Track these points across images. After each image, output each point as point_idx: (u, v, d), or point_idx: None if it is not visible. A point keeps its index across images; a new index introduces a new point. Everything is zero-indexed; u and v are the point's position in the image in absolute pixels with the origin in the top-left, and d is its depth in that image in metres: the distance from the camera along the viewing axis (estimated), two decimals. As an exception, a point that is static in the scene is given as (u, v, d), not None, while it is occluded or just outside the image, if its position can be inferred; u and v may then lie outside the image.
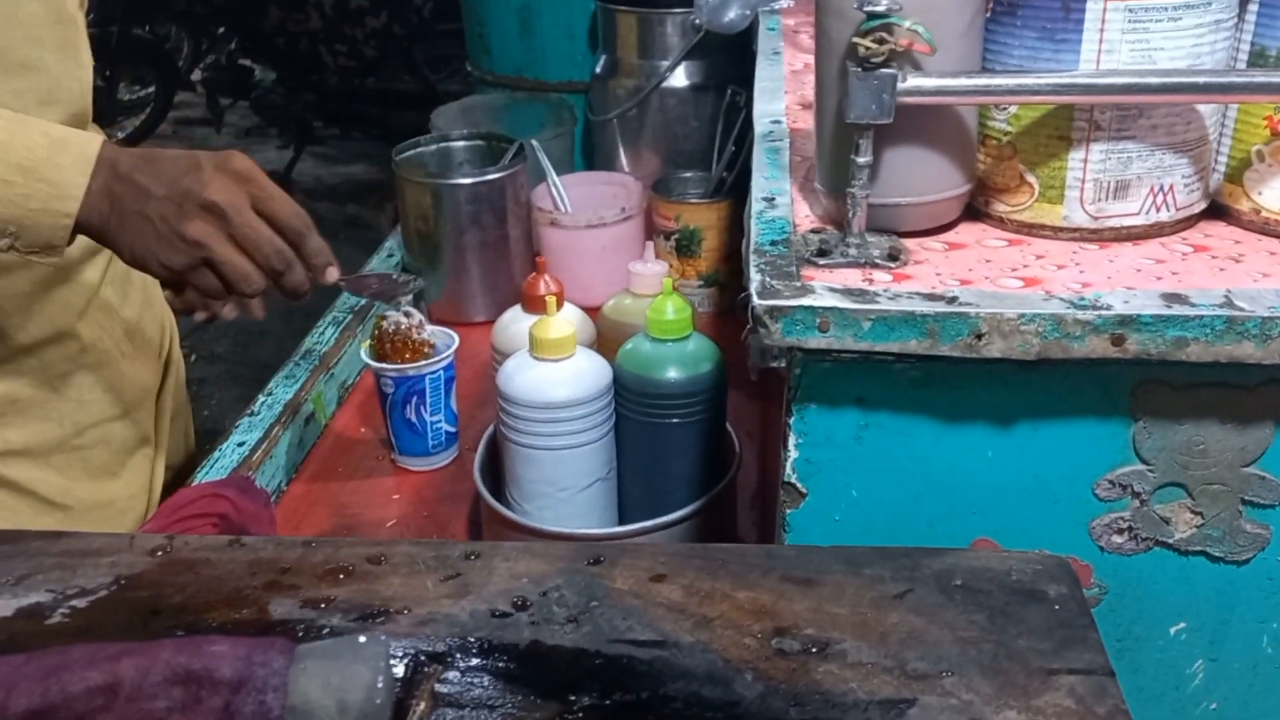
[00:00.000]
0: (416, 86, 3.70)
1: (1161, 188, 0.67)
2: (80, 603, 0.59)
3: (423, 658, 0.55)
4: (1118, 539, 0.67)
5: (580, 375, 0.90)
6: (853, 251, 0.66)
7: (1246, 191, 0.69)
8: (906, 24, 0.62)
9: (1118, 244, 0.68)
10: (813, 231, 0.70)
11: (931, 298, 0.61)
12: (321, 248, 0.87)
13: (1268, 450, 0.64)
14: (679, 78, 1.47)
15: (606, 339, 1.04)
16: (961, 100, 0.65)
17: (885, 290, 0.62)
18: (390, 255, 1.47)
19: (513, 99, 1.62)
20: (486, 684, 0.54)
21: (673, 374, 0.90)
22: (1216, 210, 0.71)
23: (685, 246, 1.36)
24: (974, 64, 0.67)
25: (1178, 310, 0.59)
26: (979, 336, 0.60)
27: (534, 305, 1.02)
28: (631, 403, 0.92)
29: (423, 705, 0.52)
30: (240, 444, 1.08)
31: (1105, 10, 0.63)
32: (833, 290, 0.62)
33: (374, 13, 3.68)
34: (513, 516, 0.92)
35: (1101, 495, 0.66)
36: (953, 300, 0.61)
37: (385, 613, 0.59)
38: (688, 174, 1.41)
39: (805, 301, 0.61)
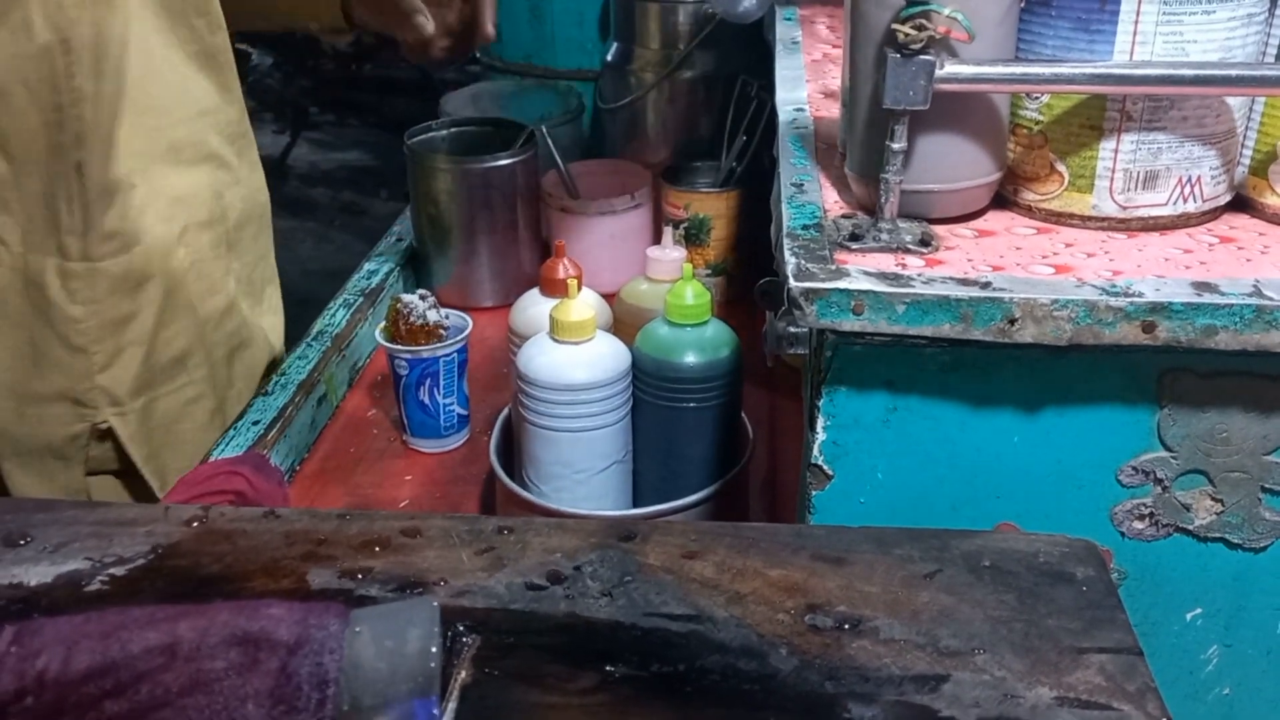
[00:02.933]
0: (413, 73, 3.69)
1: (1189, 179, 0.68)
2: (119, 570, 0.59)
3: (461, 628, 0.56)
4: (1138, 525, 0.68)
5: (600, 358, 0.91)
6: (885, 236, 0.67)
7: (1271, 185, 0.70)
8: (946, 11, 0.62)
9: (1145, 234, 0.69)
10: (844, 217, 0.70)
11: (965, 282, 0.62)
12: None
13: (1289, 439, 0.65)
14: (691, 67, 1.48)
15: (623, 323, 1.05)
16: (998, 88, 0.65)
17: (919, 274, 0.63)
18: (399, 240, 1.47)
19: (521, 85, 1.63)
20: (525, 654, 0.55)
21: (691, 358, 0.91)
22: (1240, 203, 0.72)
23: (694, 235, 1.37)
24: (1008, 52, 0.68)
25: (1208, 298, 0.60)
26: (1012, 321, 0.61)
27: (553, 288, 1.02)
28: (649, 386, 0.92)
29: (464, 674, 0.53)
30: (255, 422, 1.08)
31: (1140, 3, 0.63)
32: (867, 274, 0.63)
33: (373, -1, 3.67)
34: (529, 497, 0.92)
35: (1124, 481, 0.67)
36: (986, 285, 0.62)
37: (423, 584, 0.59)
38: (697, 163, 1.42)
39: (840, 284, 0.61)
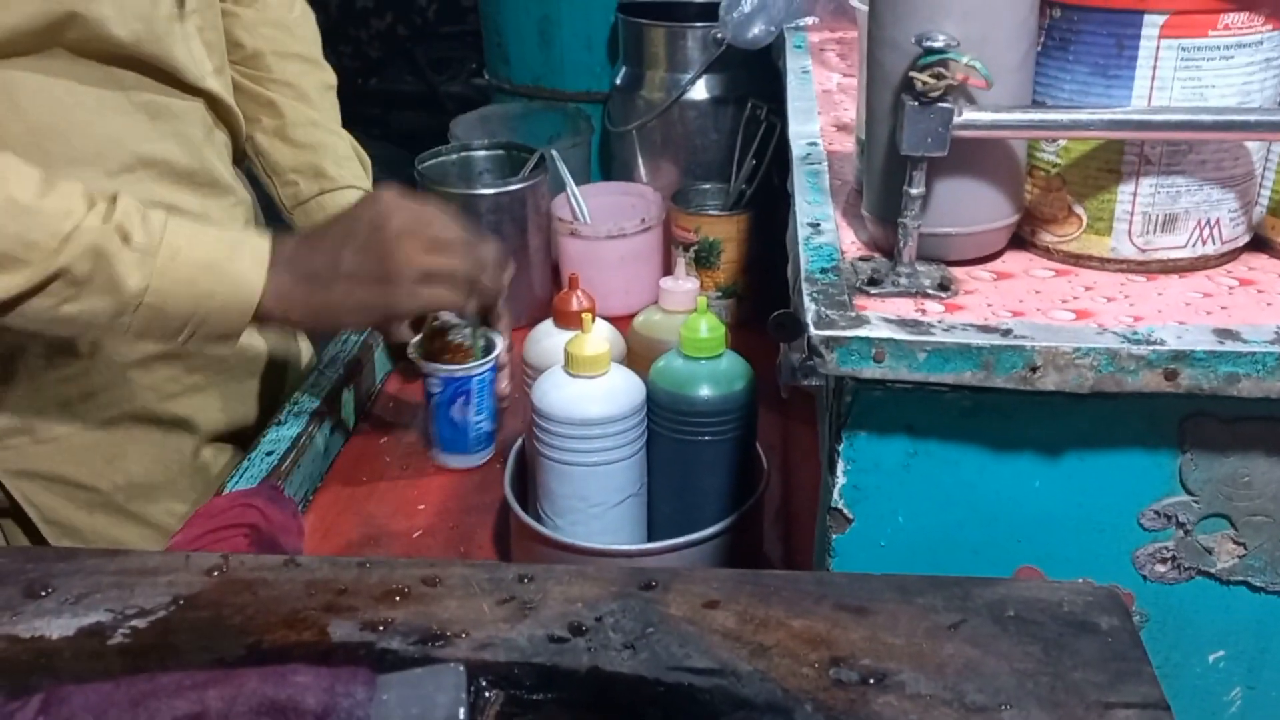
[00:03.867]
0: (419, 88, 3.70)
1: (1208, 221, 0.68)
2: (140, 623, 0.60)
3: (484, 683, 0.56)
4: (1160, 568, 0.68)
5: (615, 392, 0.91)
6: (904, 281, 0.66)
7: (1289, 226, 0.70)
8: (965, 59, 0.62)
9: (1164, 276, 0.69)
10: (861, 259, 0.70)
11: (986, 330, 0.62)
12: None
13: (1311, 483, 0.65)
14: (699, 90, 1.48)
15: (637, 354, 1.05)
16: (1017, 134, 0.65)
17: (939, 321, 0.63)
18: (409, 263, 1.47)
19: (530, 108, 1.63)
20: (550, 710, 0.55)
21: (705, 392, 0.91)
22: (1259, 243, 0.72)
23: (704, 258, 1.37)
24: (1025, 97, 0.68)
25: (1230, 346, 0.60)
26: (1034, 369, 0.61)
27: (566, 321, 1.02)
28: (664, 420, 0.92)
29: (488, 731, 0.53)
30: (269, 453, 1.08)
31: (1159, 48, 0.63)
32: (887, 321, 0.63)
33: (379, 14, 3.68)
34: (544, 531, 0.92)
35: (1146, 525, 0.67)
36: (1007, 333, 0.62)
37: (444, 636, 0.59)
38: (706, 186, 1.42)
39: (861, 332, 0.61)
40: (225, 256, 0.87)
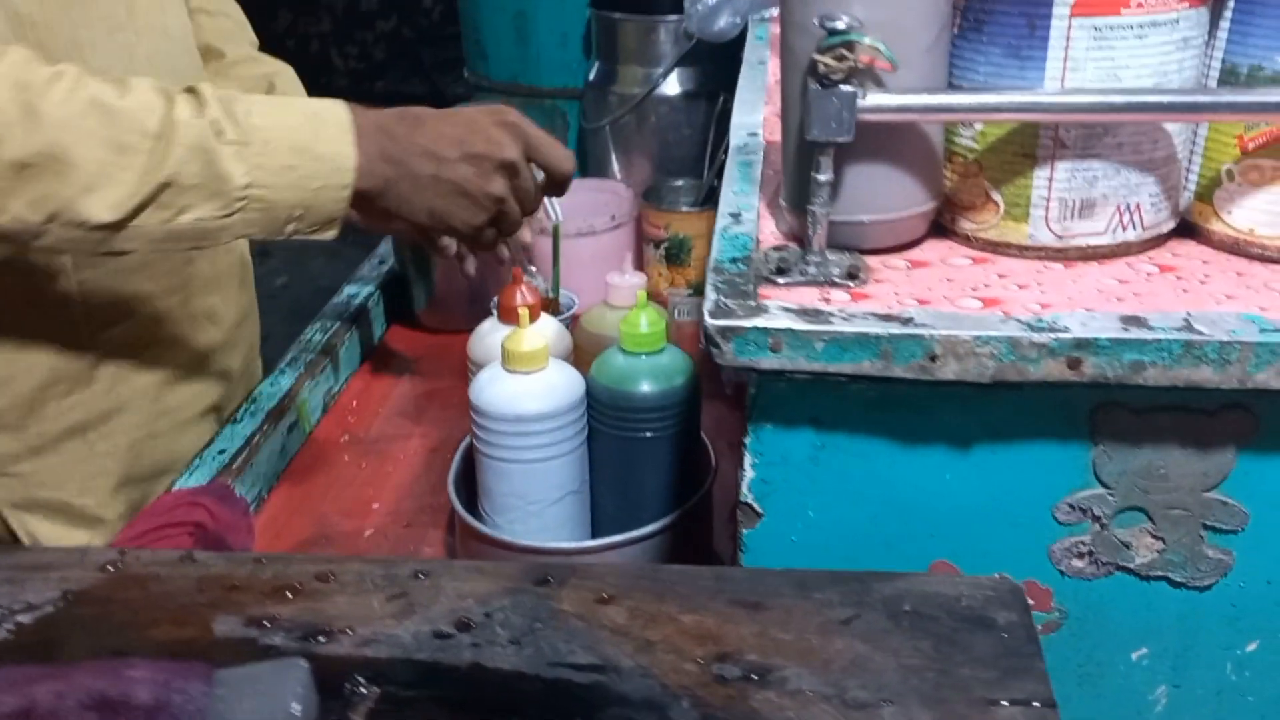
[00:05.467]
0: (424, 89, 3.71)
1: (1128, 207, 0.66)
2: (26, 619, 0.59)
3: (361, 680, 0.55)
4: (1078, 563, 0.66)
5: (552, 388, 0.90)
6: (812, 270, 0.65)
7: (1216, 211, 0.68)
8: (867, 41, 0.61)
9: (1084, 263, 0.67)
10: (775, 249, 0.69)
11: (887, 319, 0.60)
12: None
13: (1229, 475, 0.63)
14: (671, 85, 1.47)
15: (583, 351, 1.03)
16: (923, 118, 0.64)
17: (840, 310, 0.61)
18: (381, 262, 1.47)
19: (507, 104, 1.62)
20: (423, 707, 0.54)
21: (645, 387, 0.89)
22: (1187, 229, 0.70)
23: (675, 255, 1.36)
24: (939, 80, 0.66)
25: (1135, 334, 0.58)
26: (933, 358, 0.59)
27: (510, 316, 1.01)
28: (604, 416, 0.91)
29: (357, 728, 0.52)
30: (221, 451, 1.08)
31: (1070, 28, 0.62)
32: (787, 310, 0.61)
33: (384, 15, 3.69)
34: (483, 529, 0.91)
35: (1061, 519, 0.65)
36: (908, 321, 0.60)
37: (328, 632, 0.58)
38: (679, 181, 1.40)
39: (758, 322, 0.60)
40: (315, 134, 0.81)
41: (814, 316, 0.61)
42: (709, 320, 0.60)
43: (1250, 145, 0.64)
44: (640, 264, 1.39)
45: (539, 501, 0.92)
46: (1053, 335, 0.58)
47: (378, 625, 0.59)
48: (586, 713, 0.53)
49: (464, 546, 0.97)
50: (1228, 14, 0.65)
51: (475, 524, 0.92)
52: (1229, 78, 0.65)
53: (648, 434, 0.91)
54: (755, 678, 0.55)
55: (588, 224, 1.37)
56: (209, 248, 0.97)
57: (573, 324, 1.15)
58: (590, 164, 1.56)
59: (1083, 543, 0.65)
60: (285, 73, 1.15)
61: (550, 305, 1.16)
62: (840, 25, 0.60)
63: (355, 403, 1.27)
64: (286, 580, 0.62)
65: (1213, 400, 0.61)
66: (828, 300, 0.63)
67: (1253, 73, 0.64)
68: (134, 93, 0.77)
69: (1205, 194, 0.68)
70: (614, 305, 1.05)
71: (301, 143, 0.80)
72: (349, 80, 3.82)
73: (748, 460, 0.66)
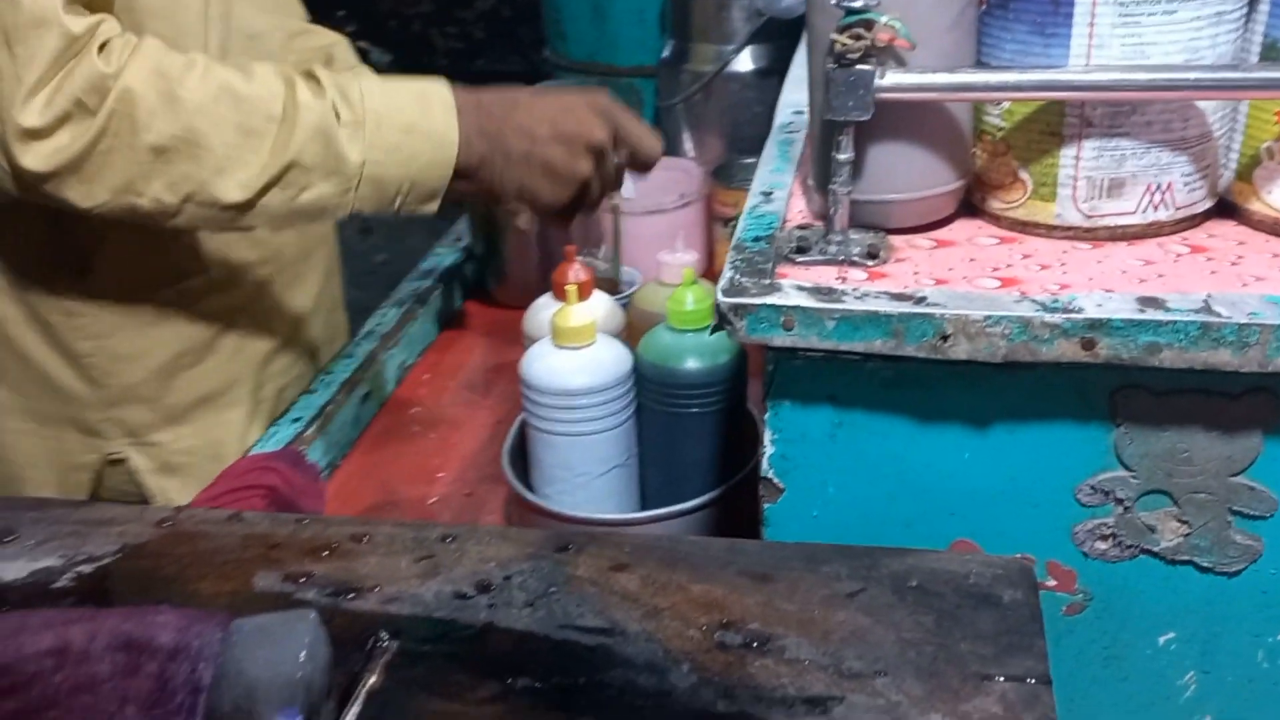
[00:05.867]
0: (522, 67, 3.75)
1: (1159, 186, 0.65)
2: (86, 568, 0.64)
3: (383, 634, 0.58)
4: (1101, 545, 0.66)
5: (598, 363, 0.92)
6: (832, 249, 0.66)
7: (1256, 190, 0.66)
8: (884, 19, 0.61)
9: (1112, 243, 0.66)
10: (799, 227, 0.70)
11: (899, 297, 0.61)
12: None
13: (1257, 460, 0.62)
14: (744, 63, 1.47)
15: (636, 327, 1.05)
16: (942, 97, 0.64)
17: (854, 289, 0.62)
18: (458, 239, 1.51)
19: (584, 84, 1.64)
20: (436, 662, 0.57)
21: (691, 364, 0.91)
22: (1227, 209, 0.69)
23: (743, 233, 1.36)
24: (965, 58, 0.66)
25: (1150, 315, 0.58)
26: (944, 338, 0.60)
27: (562, 293, 1.04)
28: (651, 392, 0.93)
29: (373, 678, 0.55)
30: (296, 419, 1.13)
31: (1095, 4, 0.61)
32: (800, 289, 0.62)
33: (484, -5, 3.74)
34: (532, 499, 0.94)
35: (1083, 501, 0.65)
36: (920, 300, 0.61)
37: (357, 589, 0.62)
38: (749, 160, 1.40)
39: (770, 300, 0.61)
40: (422, 113, 0.86)
41: (827, 295, 0.61)
42: (721, 297, 0.61)
43: (1289, 122, 0.63)
44: (710, 242, 1.40)
45: (585, 474, 0.94)
46: (1066, 316, 0.58)
47: (403, 584, 0.62)
48: (589, 673, 0.55)
49: (517, 516, 1.00)
50: (1269, -13, 0.63)
51: (525, 493, 0.95)
52: (1270, 53, 0.64)
53: (693, 409, 0.92)
54: (755, 646, 0.56)
55: (656, 202, 1.38)
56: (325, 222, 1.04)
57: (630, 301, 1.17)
58: (665, 143, 1.57)
59: (1106, 525, 0.65)
60: (342, 44, 1.20)
61: (610, 283, 1.19)
62: (857, 4, 0.61)
63: (427, 375, 1.32)
64: (324, 540, 0.66)
65: (1236, 384, 0.60)
66: (844, 279, 0.64)
67: (1291, 48, 0.62)
68: (258, 78, 0.83)
69: (1245, 173, 0.67)
70: (665, 283, 1.06)
71: (409, 121, 0.85)
72: (449, 60, 3.88)
73: (767, 436, 0.67)
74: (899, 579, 0.60)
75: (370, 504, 1.11)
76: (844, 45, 0.62)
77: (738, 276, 0.63)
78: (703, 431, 0.94)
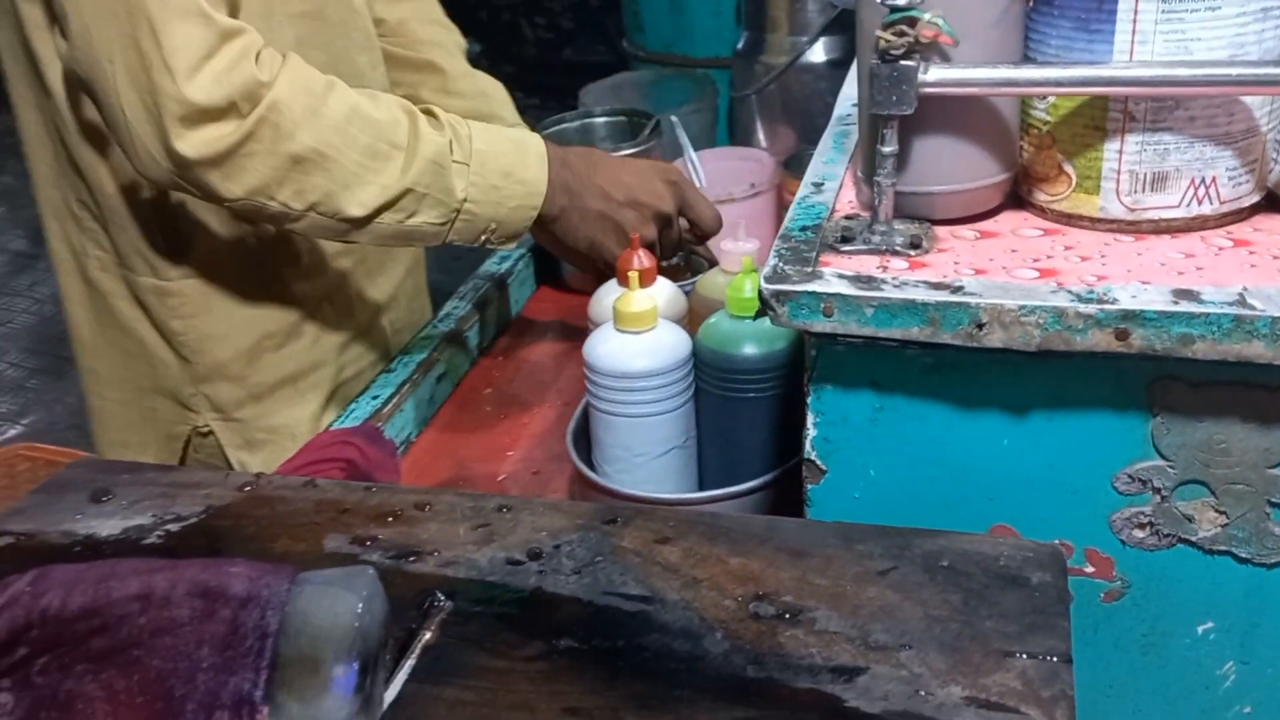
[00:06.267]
0: (610, 58, 3.79)
1: (1203, 180, 0.66)
2: (174, 527, 0.69)
3: (440, 594, 0.62)
4: (1139, 534, 0.67)
5: (658, 348, 0.95)
6: (876, 239, 0.68)
7: (1304, 184, 0.66)
8: (926, 16, 0.63)
9: (1155, 236, 0.67)
10: (847, 217, 0.72)
11: (937, 286, 0.63)
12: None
13: (1295, 453, 0.62)
14: (818, 53, 1.48)
15: (698, 314, 1.08)
16: (985, 92, 0.65)
17: (894, 278, 0.64)
18: (535, 226, 1.55)
19: (660, 75, 1.67)
20: (487, 621, 0.61)
21: (748, 350, 0.93)
22: (1277, 203, 0.69)
23: (812, 223, 1.38)
24: (1011, 53, 0.67)
25: (1184, 307, 0.59)
26: (980, 326, 0.61)
27: (624, 279, 1.07)
28: (709, 376, 0.96)
29: (429, 634, 0.60)
30: (375, 397, 1.18)
31: (1138, 1, 0.62)
32: (841, 276, 0.65)
33: (573, -16, 3.80)
34: (592, 477, 0.98)
35: (1121, 489, 0.66)
36: (957, 289, 0.62)
37: (418, 553, 0.66)
38: (820, 150, 1.42)
39: (810, 287, 0.64)
40: (518, 160, 0.95)
41: (866, 283, 0.64)
42: (764, 284, 0.64)
43: (1337, 117, 0.63)
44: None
45: (644, 454, 0.97)
46: (1100, 306, 0.60)
47: (460, 550, 0.66)
48: (628, 636, 0.59)
49: (579, 492, 1.04)
50: (1319, -18, 0.63)
51: (587, 471, 0.99)
52: (1319, 48, 0.64)
53: (750, 394, 0.95)
54: (787, 617, 0.59)
55: (727, 191, 1.41)
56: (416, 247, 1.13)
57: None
58: (737, 133, 1.59)
59: (1143, 513, 0.66)
60: (499, 91, 1.34)
61: (675, 272, 1.21)
62: (901, 1, 0.63)
63: (501, 358, 1.36)
64: (390, 507, 0.70)
65: (1275, 376, 0.60)
66: (885, 268, 0.66)
67: (1340, 43, 0.62)
68: (384, 105, 0.91)
69: (1294, 167, 0.67)
70: (727, 271, 1.09)
71: (508, 167, 0.94)
72: (537, 50, 3.95)
73: (810, 419, 0.69)
74: (931, 559, 0.62)
75: (442, 479, 1.16)
76: (888, 41, 0.63)
77: (781, 264, 0.66)
78: (759, 416, 0.96)
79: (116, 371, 1.06)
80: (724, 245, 1.11)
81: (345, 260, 1.11)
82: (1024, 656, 0.55)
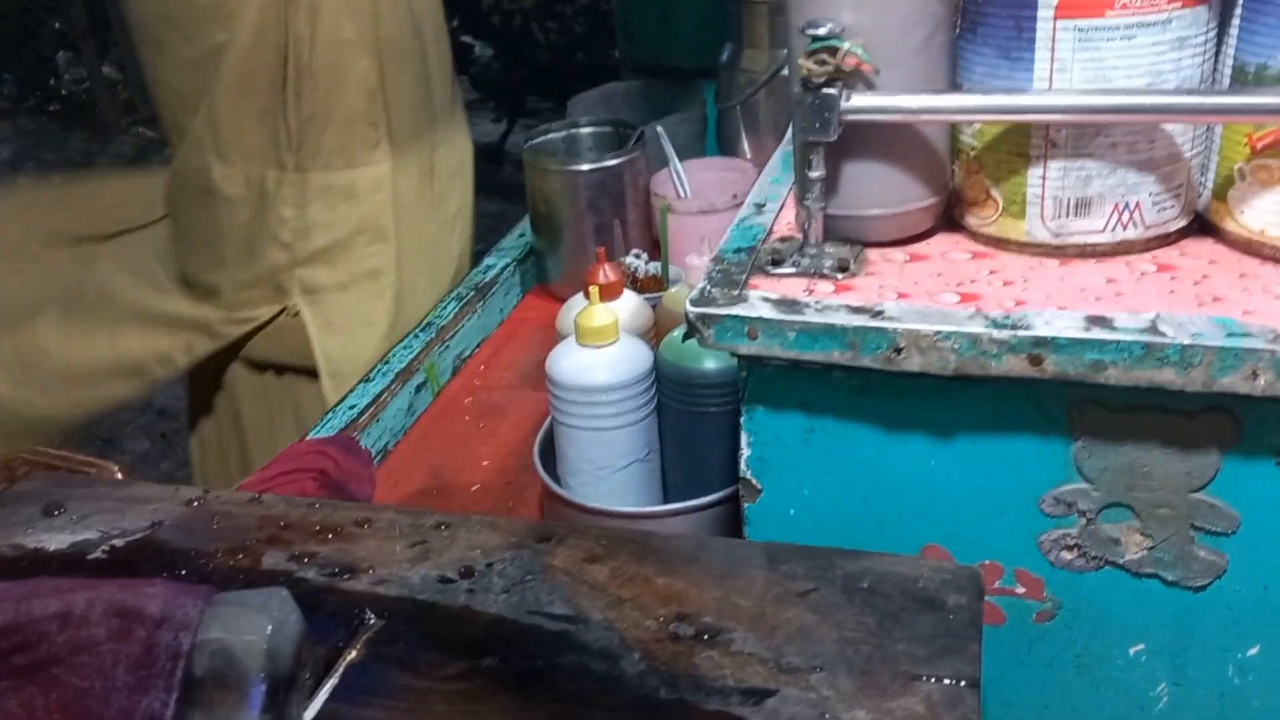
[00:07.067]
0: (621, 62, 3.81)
1: (1127, 205, 0.66)
2: (119, 541, 0.71)
3: (369, 612, 0.64)
4: (1067, 555, 0.67)
5: (618, 362, 0.96)
6: (805, 261, 0.69)
7: (1230, 210, 0.67)
8: (847, 45, 0.64)
9: (1081, 260, 0.68)
10: (781, 239, 0.73)
11: (858, 310, 0.64)
12: None
13: (1216, 477, 0.62)
14: (801, 65, 1.49)
15: (664, 327, 1.09)
16: (905, 119, 0.66)
17: (817, 302, 0.65)
18: (521, 235, 1.57)
19: (649, 85, 1.68)
20: (413, 640, 0.62)
21: (709, 364, 0.94)
22: (1207, 227, 0.69)
23: (793, 233, 1.39)
24: (938, 80, 0.68)
25: (1095, 334, 0.59)
26: (898, 350, 0.62)
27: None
28: (670, 391, 0.97)
29: (354, 654, 0.61)
30: (351, 406, 1.20)
31: (1055, 29, 0.62)
32: (766, 300, 0.65)
33: (584, -12, 3.81)
34: (556, 489, 0.99)
35: (1047, 511, 0.66)
36: (877, 314, 0.63)
37: (353, 570, 0.68)
38: (802, 161, 1.43)
39: (735, 311, 0.65)
40: None
41: (789, 307, 0.65)
42: (689, 307, 0.65)
43: (1259, 145, 0.63)
44: (761, 241, 1.43)
45: (607, 467, 0.99)
46: (1013, 332, 0.60)
47: (395, 567, 0.67)
48: (549, 657, 0.60)
49: (545, 505, 1.05)
50: (1239, 12, 0.63)
51: (551, 484, 1.00)
52: (1239, 76, 0.64)
53: (712, 409, 0.96)
54: (705, 638, 0.60)
55: (709, 202, 1.42)
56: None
57: (663, 301, 1.21)
58: (722, 143, 1.60)
59: (1070, 535, 0.67)
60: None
61: (659, 281, 1.23)
62: (821, 31, 0.64)
63: (483, 367, 1.38)
64: (331, 523, 0.72)
65: (1191, 402, 0.61)
66: (811, 291, 0.67)
67: (1259, 72, 0.62)
68: None
69: (1220, 193, 0.67)
70: (692, 284, 1.10)
71: None
72: (549, 53, 3.97)
73: (744, 438, 0.70)
74: (851, 580, 0.63)
75: (417, 488, 1.17)
76: (810, 70, 0.64)
77: (709, 287, 0.67)
78: (720, 430, 0.97)
79: (218, 262, 1.25)
80: (688, 260, 1.13)
81: (417, 183, 1.29)
82: (931, 680, 0.56)
